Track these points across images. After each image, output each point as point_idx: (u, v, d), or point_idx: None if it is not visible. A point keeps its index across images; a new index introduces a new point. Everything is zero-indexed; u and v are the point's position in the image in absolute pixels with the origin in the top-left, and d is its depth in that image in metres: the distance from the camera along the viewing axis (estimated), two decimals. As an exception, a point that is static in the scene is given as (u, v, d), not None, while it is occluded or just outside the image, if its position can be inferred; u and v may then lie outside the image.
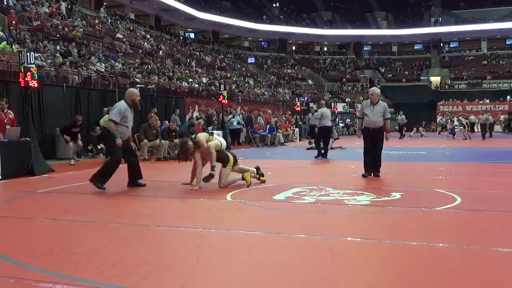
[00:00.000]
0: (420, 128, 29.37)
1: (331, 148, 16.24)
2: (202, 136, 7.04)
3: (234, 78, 34.95)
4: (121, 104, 6.90)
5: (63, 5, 24.47)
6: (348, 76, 51.15)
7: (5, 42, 14.83)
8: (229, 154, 7.14)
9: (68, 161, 11.03)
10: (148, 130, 12.11)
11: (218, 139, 7.27)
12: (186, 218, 4.94)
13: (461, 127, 25.61)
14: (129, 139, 7.18)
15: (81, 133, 11.75)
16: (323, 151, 12.10)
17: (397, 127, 27.90)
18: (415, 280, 2.93)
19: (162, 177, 8.83)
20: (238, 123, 19.92)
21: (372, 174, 7.99)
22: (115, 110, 6.81)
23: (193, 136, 7.22)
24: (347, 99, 45.47)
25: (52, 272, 3.06)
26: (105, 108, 12.56)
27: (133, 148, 7.50)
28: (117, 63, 19.55)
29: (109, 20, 30.07)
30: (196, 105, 19.74)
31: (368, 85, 49.64)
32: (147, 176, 9.00)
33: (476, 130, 33.07)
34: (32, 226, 4.67)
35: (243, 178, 7.07)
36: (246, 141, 20.31)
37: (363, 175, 7.97)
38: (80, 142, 11.55)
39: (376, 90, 8.31)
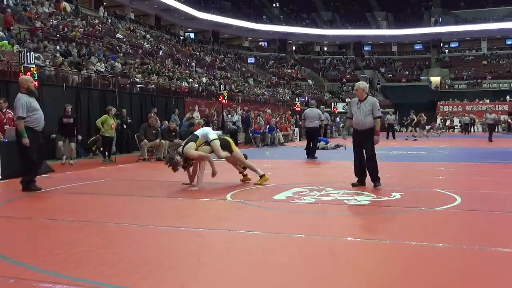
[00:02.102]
0: (427, 127, 29.35)
1: (332, 148, 16.27)
2: (189, 147, 6.84)
3: (234, 78, 34.95)
4: (19, 98, 6.56)
5: (67, 5, 24.55)
6: (348, 76, 51.15)
7: (6, 42, 14.82)
8: (227, 138, 7.40)
9: (67, 160, 11.00)
10: (148, 130, 12.11)
11: (210, 136, 7.06)
12: (186, 218, 4.94)
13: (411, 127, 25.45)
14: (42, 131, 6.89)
15: (77, 129, 11.57)
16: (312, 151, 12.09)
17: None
18: (415, 280, 2.93)
19: (162, 177, 8.81)
20: (234, 123, 19.91)
21: (373, 185, 6.75)
22: (17, 106, 6.49)
23: (179, 149, 7.09)
24: (347, 99, 45.42)
25: (52, 272, 3.06)
26: (114, 109, 12.53)
27: (42, 142, 7.02)
28: (117, 63, 19.56)
29: (109, 20, 30.09)
30: (196, 105, 19.74)
31: (368, 85, 49.72)
32: (147, 176, 9.03)
33: (476, 130, 33.10)
34: (32, 226, 4.67)
35: (261, 176, 7.18)
36: (246, 141, 20.31)
37: (352, 184, 6.88)
38: (72, 145, 11.22)
39: (361, 84, 7.00)
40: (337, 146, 16.65)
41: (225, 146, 7.13)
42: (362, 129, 6.78)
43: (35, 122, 6.60)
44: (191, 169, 7.18)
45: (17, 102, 6.53)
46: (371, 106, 6.74)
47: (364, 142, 6.79)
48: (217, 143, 7.00)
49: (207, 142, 7.01)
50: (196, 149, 6.88)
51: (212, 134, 7.17)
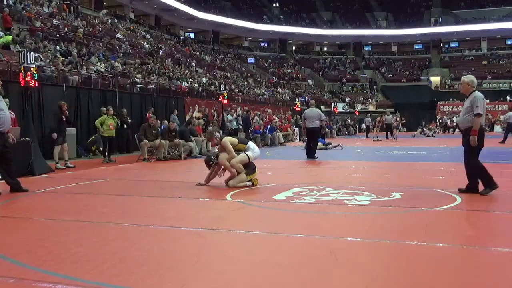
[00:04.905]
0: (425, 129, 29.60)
1: (332, 148, 16.29)
2: (227, 138, 7.21)
3: (234, 78, 34.95)
4: None
5: (68, 7, 24.60)
6: (348, 76, 51.19)
7: (10, 37, 14.83)
8: (255, 167, 7.20)
9: (62, 161, 10.38)
10: (148, 130, 12.11)
11: (249, 151, 7.15)
12: (186, 218, 4.94)
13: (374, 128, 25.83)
14: (8, 131, 6.61)
15: (68, 124, 10.88)
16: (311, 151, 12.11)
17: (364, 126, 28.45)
18: (415, 280, 2.93)
19: (162, 177, 8.83)
20: (233, 121, 19.85)
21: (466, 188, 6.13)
22: None
23: (220, 135, 7.41)
24: (347, 99, 45.53)
25: (52, 272, 3.06)
26: (103, 108, 12.54)
27: (11, 141, 6.74)
28: (117, 63, 19.56)
29: (109, 20, 30.10)
30: (196, 105, 19.73)
31: (368, 85, 49.78)
32: (148, 176, 9.02)
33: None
34: (32, 226, 4.66)
35: (253, 184, 7.12)
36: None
37: (458, 190, 6.24)
38: (66, 146, 10.46)
39: (465, 78, 6.26)
40: (334, 145, 16.61)
41: (249, 166, 7.05)
42: (462, 129, 6.22)
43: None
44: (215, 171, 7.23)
45: None
46: (470, 103, 5.96)
47: (463, 143, 6.12)
48: (244, 158, 7.03)
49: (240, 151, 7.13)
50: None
51: (254, 151, 7.23)
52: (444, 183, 7.36)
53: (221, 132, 7.43)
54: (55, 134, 10.34)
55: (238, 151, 7.09)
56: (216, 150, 7.38)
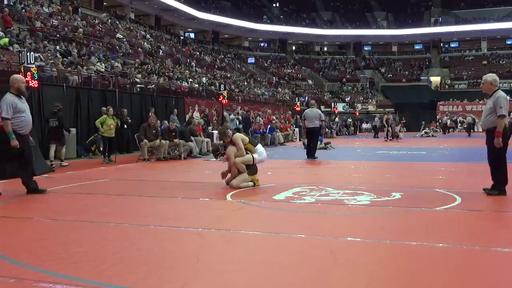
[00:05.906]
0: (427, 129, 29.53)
1: (330, 147, 16.28)
2: (238, 135, 7.22)
3: (234, 78, 34.95)
4: (7, 98, 6.19)
5: (70, 8, 24.65)
6: (348, 76, 51.21)
7: (7, 39, 14.82)
8: (257, 169, 7.20)
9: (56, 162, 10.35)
10: (148, 130, 12.10)
11: (256, 153, 7.20)
12: (186, 218, 4.94)
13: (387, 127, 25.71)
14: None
15: (64, 127, 10.79)
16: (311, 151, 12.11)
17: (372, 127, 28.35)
18: (415, 280, 2.93)
19: (162, 177, 8.83)
20: (234, 120, 19.86)
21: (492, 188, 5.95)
22: (4, 107, 6.11)
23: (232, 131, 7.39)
24: (347, 99, 45.54)
25: (52, 272, 3.06)
26: (104, 108, 12.53)
27: (31, 144, 6.77)
28: (117, 63, 19.56)
29: (109, 20, 30.11)
30: (196, 105, 19.74)
31: (368, 85, 49.80)
32: (148, 176, 9.02)
33: (477, 130, 33.02)
34: (32, 226, 4.67)
35: (254, 185, 7.09)
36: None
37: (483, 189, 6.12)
38: (63, 150, 10.58)
39: (488, 77, 6.11)
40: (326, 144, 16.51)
41: (251, 167, 7.06)
42: (485, 129, 6.07)
43: (19, 124, 6.24)
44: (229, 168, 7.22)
45: (3, 102, 6.20)
46: (493, 103, 5.81)
47: (487, 143, 5.96)
48: (249, 159, 7.05)
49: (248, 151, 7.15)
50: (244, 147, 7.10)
51: (261, 155, 7.31)
52: (444, 183, 7.36)
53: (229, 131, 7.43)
54: (71, 130, 10.70)
55: (246, 150, 7.10)
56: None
